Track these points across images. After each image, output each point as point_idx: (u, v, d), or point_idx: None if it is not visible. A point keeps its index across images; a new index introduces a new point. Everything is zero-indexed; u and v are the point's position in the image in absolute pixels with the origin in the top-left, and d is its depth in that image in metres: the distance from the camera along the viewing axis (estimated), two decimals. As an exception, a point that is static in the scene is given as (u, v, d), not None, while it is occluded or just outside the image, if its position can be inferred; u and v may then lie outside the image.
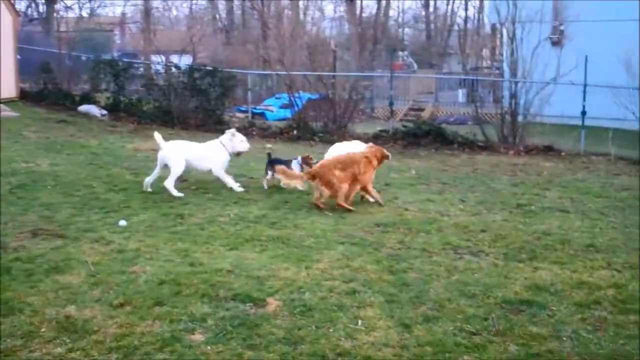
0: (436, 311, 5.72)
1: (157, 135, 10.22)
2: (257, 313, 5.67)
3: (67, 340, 5.11)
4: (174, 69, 20.17)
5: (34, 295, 5.96)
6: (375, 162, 9.55)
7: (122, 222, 8.25)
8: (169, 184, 9.90)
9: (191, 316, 5.54)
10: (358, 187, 9.37)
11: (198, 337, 5.20)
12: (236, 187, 10.37)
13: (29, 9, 41.87)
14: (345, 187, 9.15)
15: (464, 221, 8.74)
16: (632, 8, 20.70)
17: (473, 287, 6.27)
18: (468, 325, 5.43)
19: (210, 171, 10.52)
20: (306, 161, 10.61)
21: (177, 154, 10.15)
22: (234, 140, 10.68)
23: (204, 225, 8.31)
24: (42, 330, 5.28)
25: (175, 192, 9.85)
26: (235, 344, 5.09)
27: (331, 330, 5.34)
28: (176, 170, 10.06)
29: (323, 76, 18.49)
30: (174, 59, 24.69)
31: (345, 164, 9.26)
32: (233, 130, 10.88)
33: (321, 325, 5.42)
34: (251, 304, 5.84)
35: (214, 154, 10.53)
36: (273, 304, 5.85)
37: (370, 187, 9.56)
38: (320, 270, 6.72)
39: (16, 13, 21.14)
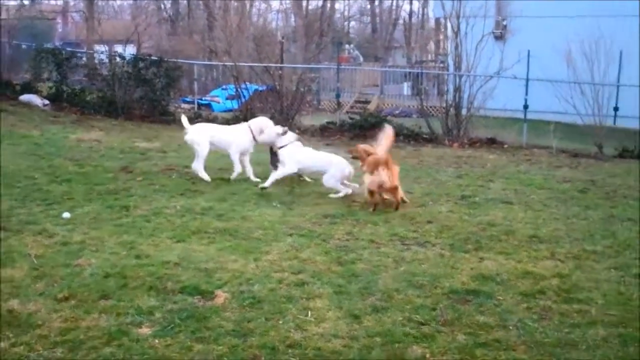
0: (385, 302, 5.76)
1: (184, 119, 10.66)
2: (206, 306, 5.62)
3: (10, 335, 4.98)
4: (118, 59, 19.82)
5: (-25, 289, 5.81)
6: None
7: (66, 214, 8.08)
8: (198, 167, 10.28)
9: (138, 309, 5.47)
10: None
11: (145, 330, 5.13)
12: (252, 177, 10.50)
13: (-34, -5, 40.61)
14: None
15: (411, 212, 8.82)
16: (571, 5, 21.14)
17: (421, 277, 6.32)
18: (417, 316, 5.48)
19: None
20: None
21: (200, 137, 10.37)
22: (270, 133, 10.34)
23: (149, 217, 8.20)
24: (-16, 325, 5.15)
25: (204, 176, 10.26)
26: (184, 337, 5.04)
27: (281, 322, 5.33)
28: (201, 153, 10.32)
29: (270, 67, 18.39)
30: (118, 48, 24.17)
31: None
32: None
33: (270, 317, 5.40)
34: (199, 297, 5.79)
35: (236, 137, 10.56)
36: (221, 296, 5.81)
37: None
38: (269, 262, 6.69)
39: (-48, -1, 20.48)
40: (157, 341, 4.96)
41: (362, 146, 9.79)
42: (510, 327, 5.31)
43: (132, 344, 4.90)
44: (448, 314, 5.51)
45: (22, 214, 8.11)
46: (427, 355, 4.85)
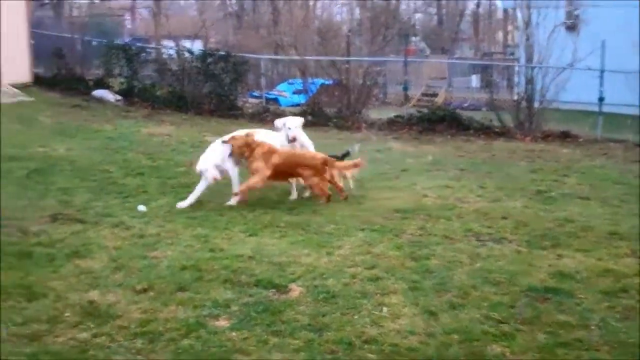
0: (461, 298, 5.67)
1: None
2: (280, 299, 5.64)
3: (92, 325, 5.09)
4: (186, 54, 20.10)
5: (57, 280, 5.95)
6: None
7: (142, 207, 8.23)
8: None
9: (214, 302, 5.52)
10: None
11: (223, 323, 5.18)
12: None
13: (40, -7, 41.81)
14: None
15: (484, 207, 8.68)
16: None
17: (497, 274, 6.20)
18: (494, 313, 5.38)
19: None
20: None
21: None
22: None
23: (222, 211, 8.29)
24: (67, 315, 5.26)
25: None
26: (260, 330, 5.06)
27: (356, 317, 5.30)
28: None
29: (336, 61, 18.37)
30: (186, 43, 24.52)
31: None
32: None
33: (346, 312, 5.39)
34: (274, 290, 5.81)
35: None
36: (296, 290, 5.82)
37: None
38: (341, 257, 6.68)
39: (29, -3, 21.08)
40: (234, 334, 5.00)
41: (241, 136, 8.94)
42: (592, 327, 5.16)
43: (209, 336, 4.95)
44: (527, 312, 5.39)
45: (99, 207, 8.30)
46: (507, 354, 4.76)
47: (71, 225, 7.51)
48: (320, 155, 9.02)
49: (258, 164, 8.62)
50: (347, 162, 9.36)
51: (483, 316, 5.34)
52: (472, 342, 4.91)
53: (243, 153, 8.69)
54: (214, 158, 8.69)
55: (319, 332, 5.04)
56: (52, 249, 6.72)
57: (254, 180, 8.64)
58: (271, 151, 8.71)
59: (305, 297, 5.68)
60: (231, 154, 8.75)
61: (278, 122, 9.83)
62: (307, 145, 9.79)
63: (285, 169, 8.77)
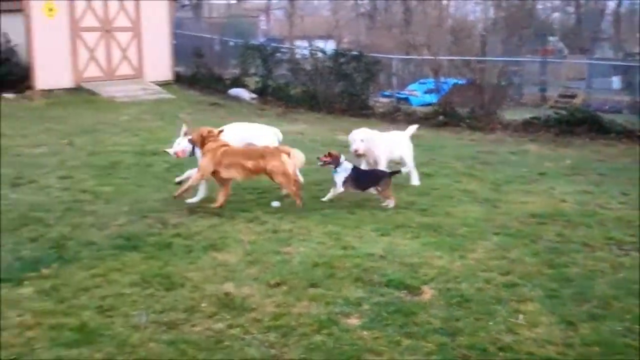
0: (602, 309, 5.41)
1: None
2: (413, 301, 5.58)
3: (227, 317, 5.23)
4: (319, 54, 20.35)
5: (194, 271, 6.16)
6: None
7: (275, 203, 8.38)
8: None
9: (346, 300, 5.54)
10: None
11: (354, 321, 5.19)
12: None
13: (181, -5, 43.58)
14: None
15: (627, 215, 8.24)
16: None
17: (641, 285, 5.89)
18: (638, 326, 5.10)
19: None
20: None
21: None
22: None
23: (353, 209, 8.29)
24: (203, 305, 5.43)
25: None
26: (392, 330, 5.03)
27: (490, 323, 5.17)
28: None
29: (470, 61, 18.05)
30: (319, 43, 24.87)
31: None
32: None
33: (479, 317, 5.27)
34: (405, 291, 5.76)
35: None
36: (428, 292, 5.75)
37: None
38: (475, 261, 6.53)
39: (173, 0, 22.00)
40: (365, 333, 5.00)
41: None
42: None
43: (341, 334, 4.96)
44: (676, 327, 5.07)
45: (235, 202, 8.51)
46: (653, 370, 4.49)
47: (208, 219, 7.75)
48: (278, 147, 8.51)
49: (204, 159, 8.22)
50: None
51: (626, 329, 5.07)
52: (614, 355, 4.69)
53: (199, 146, 8.32)
54: None
55: (452, 336, 4.95)
56: (190, 241, 6.96)
57: (193, 178, 8.28)
58: (221, 147, 8.20)
59: (438, 299, 5.60)
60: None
61: (351, 134, 9.42)
62: (380, 160, 9.22)
63: (237, 162, 8.16)
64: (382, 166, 9.12)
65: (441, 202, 8.76)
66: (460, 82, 18.57)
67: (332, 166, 8.45)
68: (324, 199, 8.48)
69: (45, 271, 6.04)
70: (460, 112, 17.22)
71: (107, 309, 5.30)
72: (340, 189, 8.39)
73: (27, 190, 8.79)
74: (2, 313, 5.20)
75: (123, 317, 5.19)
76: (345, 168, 8.37)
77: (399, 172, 8.89)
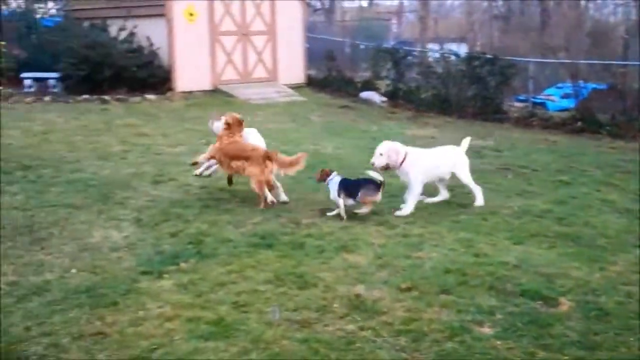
0: None
1: None
2: (548, 312, 5.43)
3: (358, 319, 5.28)
4: (452, 57, 20.08)
5: (326, 271, 6.24)
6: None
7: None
8: None
9: (478, 308, 5.46)
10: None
11: (486, 330, 5.10)
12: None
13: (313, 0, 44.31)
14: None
15: None
16: None
17: None
18: None
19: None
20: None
21: None
22: None
23: (486, 216, 8.15)
24: (335, 306, 5.50)
25: None
26: (527, 342, 4.92)
27: (631, 339, 4.95)
28: None
29: (611, 65, 17.28)
30: (451, 46, 24.61)
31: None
32: None
33: (619, 332, 5.06)
34: (541, 302, 5.61)
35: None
36: (565, 304, 5.57)
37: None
38: (615, 273, 6.28)
39: (306, 4, 22.40)
40: (498, 342, 4.91)
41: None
42: None
43: (473, 342, 4.90)
44: None
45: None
46: None
47: (339, 220, 7.84)
48: (263, 148, 8.59)
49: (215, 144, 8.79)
50: (288, 157, 8.49)
51: None
52: None
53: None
54: None
55: (590, 350, 4.80)
56: (322, 241, 7.06)
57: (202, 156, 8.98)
58: (231, 139, 8.64)
59: (575, 312, 5.42)
60: None
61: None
62: (413, 182, 8.44)
63: (226, 158, 8.52)
64: (414, 184, 8.41)
65: (579, 211, 8.45)
66: (599, 86, 17.81)
67: (325, 183, 8.21)
68: (329, 214, 8.08)
69: (183, 265, 6.31)
70: (599, 118, 16.49)
71: (242, 305, 5.47)
72: (337, 200, 8.03)
73: (167, 187, 9.20)
74: (144, 304, 5.47)
75: (257, 313, 5.34)
76: (334, 181, 8.09)
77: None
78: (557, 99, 20.61)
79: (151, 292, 5.71)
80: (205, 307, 5.43)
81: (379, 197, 8.02)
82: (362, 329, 5.12)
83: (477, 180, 9.14)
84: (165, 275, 6.08)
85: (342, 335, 5.01)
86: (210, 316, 5.25)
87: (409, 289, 5.83)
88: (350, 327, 5.15)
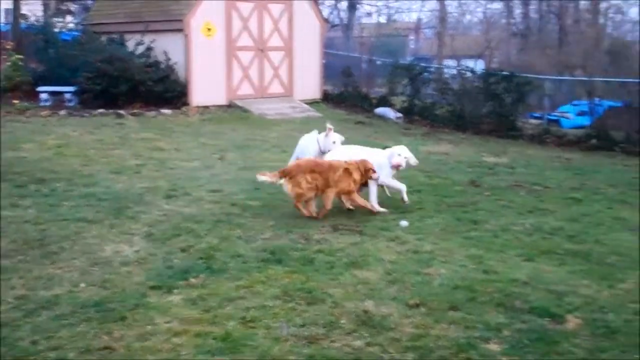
0: None
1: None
2: (556, 329, 5.42)
3: (366, 335, 5.28)
4: (468, 74, 20.11)
5: (335, 287, 6.25)
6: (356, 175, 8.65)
7: (404, 223, 8.37)
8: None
9: (486, 324, 5.45)
10: (331, 194, 8.62)
11: (494, 347, 5.10)
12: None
13: (331, 16, 44.51)
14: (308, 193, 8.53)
15: None
16: None
17: None
18: None
19: None
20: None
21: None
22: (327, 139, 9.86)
23: (497, 233, 8.14)
24: (342, 321, 5.51)
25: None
26: (533, 358, 4.93)
27: (637, 357, 4.94)
28: None
29: (628, 82, 17.24)
30: (468, 63, 24.64)
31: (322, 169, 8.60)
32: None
33: (626, 350, 5.05)
34: (549, 319, 5.60)
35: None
36: (572, 321, 5.56)
37: (353, 196, 8.80)
38: (624, 291, 6.26)
39: (324, 20, 22.51)
40: (504, 359, 4.90)
41: None
42: None
43: (480, 359, 4.89)
44: None
45: (377, 220, 8.55)
46: None
47: (350, 236, 7.86)
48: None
49: None
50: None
51: None
52: None
53: None
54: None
55: (596, 367, 4.77)
56: (332, 257, 7.08)
57: None
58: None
59: (583, 329, 5.41)
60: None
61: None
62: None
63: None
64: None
65: (591, 229, 8.42)
66: (615, 104, 17.78)
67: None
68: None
69: (193, 280, 6.34)
70: (614, 135, 16.46)
71: (250, 320, 5.49)
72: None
73: (180, 202, 9.26)
74: (152, 319, 5.51)
75: (265, 328, 5.36)
76: None
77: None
78: (572, 116, 20.60)
79: (160, 307, 5.75)
80: (213, 322, 5.46)
81: None
82: (369, 345, 5.13)
83: (489, 197, 9.13)
84: (175, 290, 6.11)
85: (349, 352, 5.02)
86: (218, 331, 5.28)
87: (417, 305, 5.83)
88: (358, 343, 5.16)
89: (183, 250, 7.23)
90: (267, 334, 5.27)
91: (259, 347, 5.04)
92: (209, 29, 18.86)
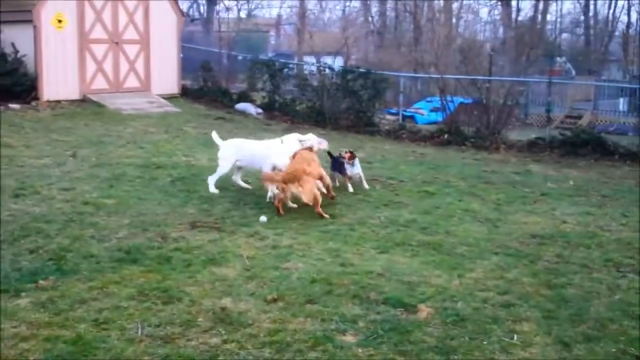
0: (597, 331, 5.42)
1: (214, 134, 10.22)
2: (408, 319, 5.59)
3: (223, 332, 5.25)
4: (327, 70, 20.42)
5: (192, 285, 6.18)
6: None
7: (263, 218, 8.41)
8: (211, 180, 9.94)
9: (342, 317, 5.55)
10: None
11: (349, 338, 5.20)
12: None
13: (191, 10, 43.85)
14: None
15: (627, 237, 8.24)
16: None
17: (638, 307, 5.88)
18: (633, 349, 5.12)
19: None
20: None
21: (226, 153, 10.01)
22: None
23: (354, 226, 8.32)
24: (199, 320, 5.45)
25: (212, 189, 9.85)
26: (387, 348, 5.04)
27: (485, 343, 5.18)
28: (221, 169, 9.97)
29: (477, 80, 18.10)
30: (327, 60, 24.97)
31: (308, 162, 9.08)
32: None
33: (474, 337, 5.28)
34: (402, 309, 5.77)
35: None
36: (424, 310, 5.76)
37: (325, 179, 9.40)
38: (473, 280, 6.54)
39: (181, 13, 22.13)
40: (360, 350, 5.01)
41: None
42: None
43: (336, 351, 4.98)
44: (671, 350, 5.06)
45: (236, 216, 8.54)
46: (646, 394, 4.48)
47: (209, 233, 7.79)
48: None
49: None
50: None
51: (620, 351, 5.10)
52: (609, 378, 4.67)
53: None
54: None
55: (447, 355, 4.97)
56: (190, 255, 6.98)
57: None
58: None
59: (434, 318, 5.61)
60: None
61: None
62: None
63: None
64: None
65: (442, 220, 8.77)
66: (466, 101, 18.61)
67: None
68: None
69: (42, 283, 6.07)
70: (465, 131, 17.25)
71: (103, 322, 5.32)
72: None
73: (29, 201, 8.83)
74: (-1, 324, 5.23)
75: (119, 330, 5.21)
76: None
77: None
78: (426, 113, 21.36)
79: (7, 312, 5.45)
80: (64, 325, 5.24)
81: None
82: (226, 342, 5.09)
83: (346, 191, 9.29)
84: (23, 294, 5.82)
85: (205, 350, 4.96)
86: (68, 335, 5.08)
87: (275, 300, 5.86)
88: (214, 340, 5.11)
89: (32, 251, 6.90)
90: (120, 335, 5.12)
91: (112, 349, 4.90)
92: (59, 21, 18.07)
